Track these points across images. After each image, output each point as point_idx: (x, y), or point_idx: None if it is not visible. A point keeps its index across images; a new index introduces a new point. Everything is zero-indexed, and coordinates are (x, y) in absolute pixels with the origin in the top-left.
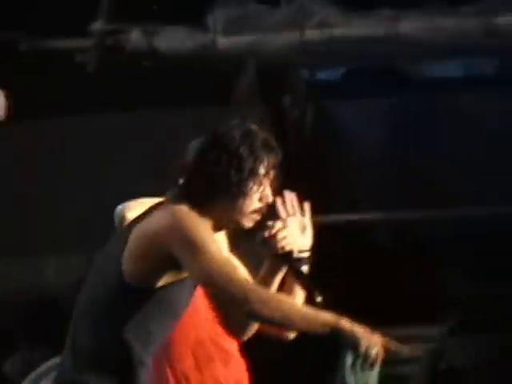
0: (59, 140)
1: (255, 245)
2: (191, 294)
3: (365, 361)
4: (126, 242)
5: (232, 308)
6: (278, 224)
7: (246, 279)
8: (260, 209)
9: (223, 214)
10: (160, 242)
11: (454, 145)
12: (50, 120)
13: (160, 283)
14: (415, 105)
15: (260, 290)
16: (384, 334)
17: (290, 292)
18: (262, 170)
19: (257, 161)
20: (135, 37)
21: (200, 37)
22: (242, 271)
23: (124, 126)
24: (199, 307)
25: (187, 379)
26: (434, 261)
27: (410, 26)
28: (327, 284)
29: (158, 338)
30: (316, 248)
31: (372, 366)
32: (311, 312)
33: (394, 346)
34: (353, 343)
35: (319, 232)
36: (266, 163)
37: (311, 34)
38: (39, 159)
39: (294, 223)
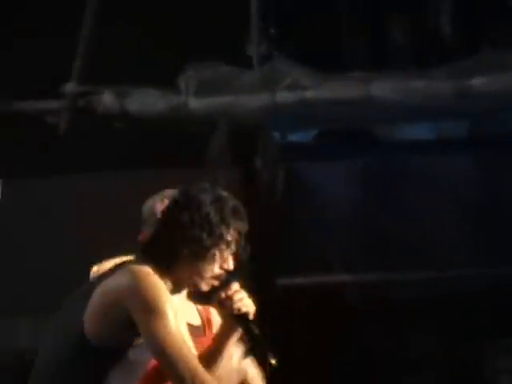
0: (30, 200)
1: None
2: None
3: None
4: (88, 300)
5: None
6: (236, 285)
7: (196, 362)
8: (219, 275)
9: (183, 276)
10: (120, 303)
11: (424, 207)
12: (20, 180)
13: (123, 344)
14: (387, 166)
15: (206, 377)
16: None
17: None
18: (229, 238)
19: (226, 228)
20: (107, 99)
21: (172, 98)
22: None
23: (92, 188)
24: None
25: None
26: (403, 322)
27: (382, 88)
28: (296, 344)
29: None
30: (288, 309)
31: None
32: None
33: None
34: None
35: (289, 293)
36: (233, 231)
37: (283, 96)
38: (9, 220)
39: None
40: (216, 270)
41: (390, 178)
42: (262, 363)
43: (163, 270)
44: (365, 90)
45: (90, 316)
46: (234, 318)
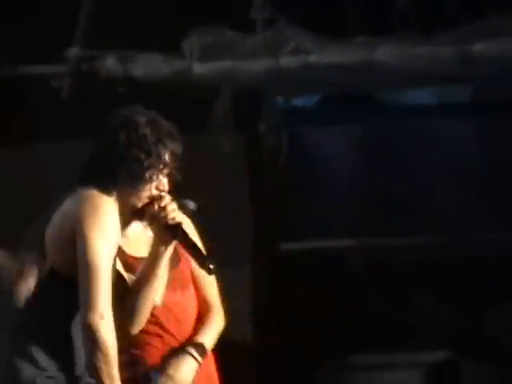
0: (34, 166)
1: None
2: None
3: None
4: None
5: (81, 306)
6: (167, 197)
7: (108, 298)
8: (155, 196)
9: (122, 197)
10: (71, 226)
11: (427, 171)
12: (23, 146)
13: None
14: (390, 131)
15: (111, 320)
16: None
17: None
18: (166, 158)
19: (164, 148)
20: (110, 63)
21: (176, 63)
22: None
23: None
24: None
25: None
26: (407, 286)
27: (385, 53)
28: (299, 308)
29: None
30: (291, 273)
31: None
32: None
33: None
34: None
35: (293, 258)
36: (169, 152)
37: (287, 61)
38: (13, 186)
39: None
40: (153, 190)
41: (392, 143)
42: (202, 268)
43: (103, 191)
44: (368, 55)
45: (51, 246)
46: (169, 229)
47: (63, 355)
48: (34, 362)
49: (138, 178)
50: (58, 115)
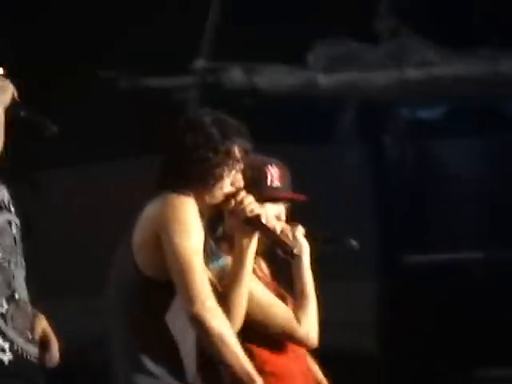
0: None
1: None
2: None
3: None
4: (131, 240)
5: (183, 303)
6: (242, 192)
7: (208, 289)
8: (232, 194)
9: (199, 198)
10: (156, 231)
11: None
12: (144, 156)
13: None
14: None
15: (216, 308)
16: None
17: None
18: (235, 154)
19: (232, 144)
20: (236, 74)
21: (301, 75)
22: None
23: None
24: None
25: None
26: None
27: (509, 65)
28: (424, 321)
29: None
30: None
31: None
32: (244, 361)
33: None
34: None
35: (419, 271)
36: (238, 148)
37: (411, 73)
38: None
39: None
40: (228, 188)
41: None
42: (286, 256)
43: (181, 193)
44: (492, 68)
45: (138, 251)
46: (249, 222)
47: (174, 363)
48: (150, 374)
49: (209, 178)
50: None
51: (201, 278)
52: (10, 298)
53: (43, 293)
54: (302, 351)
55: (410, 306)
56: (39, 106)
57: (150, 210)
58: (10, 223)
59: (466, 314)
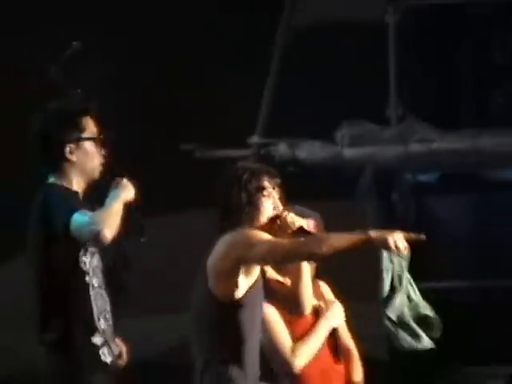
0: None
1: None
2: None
3: (397, 250)
4: (206, 271)
5: (309, 257)
6: (284, 212)
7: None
8: (273, 215)
9: (252, 225)
10: (228, 254)
11: None
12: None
13: (240, 293)
14: (496, 201)
15: (315, 236)
16: None
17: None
18: (267, 186)
19: (260, 181)
20: (282, 148)
21: (330, 149)
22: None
23: None
24: None
25: None
26: None
27: (489, 141)
28: None
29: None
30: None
31: (403, 257)
32: (347, 236)
33: (412, 236)
34: (383, 242)
35: None
36: (268, 182)
37: (414, 147)
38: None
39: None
40: (270, 212)
41: (499, 210)
42: None
43: (245, 224)
44: (474, 143)
45: (212, 279)
46: (295, 234)
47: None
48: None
49: (252, 210)
50: None
51: (293, 241)
52: (104, 318)
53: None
54: (325, 351)
55: None
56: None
57: (219, 244)
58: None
59: None
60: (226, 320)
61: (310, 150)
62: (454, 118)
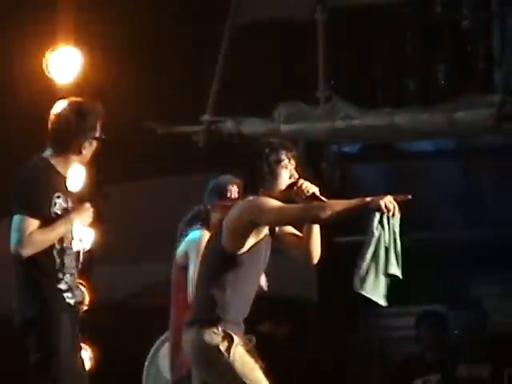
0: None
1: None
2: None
3: (387, 212)
4: (221, 228)
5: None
6: (300, 180)
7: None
8: (290, 183)
9: (273, 191)
10: (242, 216)
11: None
12: (164, 178)
13: (246, 248)
14: (406, 169)
15: (320, 203)
16: None
17: (309, 231)
18: (284, 159)
19: (278, 154)
20: (229, 125)
21: (269, 125)
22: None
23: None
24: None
25: None
26: None
27: (402, 118)
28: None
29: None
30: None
31: (393, 215)
32: (347, 202)
33: (399, 197)
34: (376, 205)
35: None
36: (286, 154)
37: (339, 123)
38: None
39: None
40: (287, 180)
41: (408, 177)
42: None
43: (267, 190)
44: (390, 120)
45: (225, 234)
46: (308, 199)
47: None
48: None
49: (272, 177)
50: (194, 157)
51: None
52: (69, 270)
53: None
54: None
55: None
56: None
57: (237, 205)
58: None
59: None
60: (226, 268)
61: (252, 126)
62: (373, 98)
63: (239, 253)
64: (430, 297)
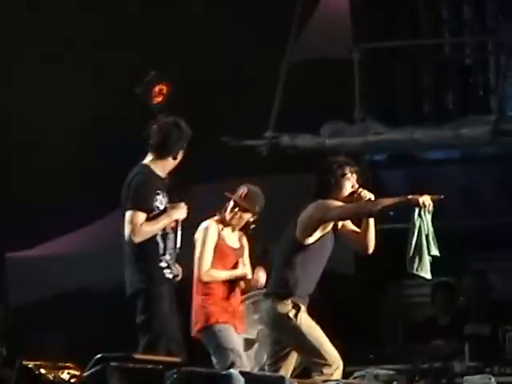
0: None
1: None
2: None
3: (424, 207)
4: (295, 224)
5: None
6: (360, 189)
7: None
8: (352, 191)
9: (338, 198)
10: (314, 216)
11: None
12: (228, 183)
13: (313, 239)
14: (421, 174)
15: (372, 201)
16: None
17: (366, 227)
18: (347, 173)
19: (343, 169)
20: (285, 139)
21: (317, 140)
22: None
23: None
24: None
25: None
26: None
27: (420, 134)
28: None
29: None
30: None
31: (429, 211)
32: (392, 199)
33: (434, 197)
34: (416, 201)
35: None
36: (349, 169)
37: (371, 138)
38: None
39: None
40: (349, 190)
41: (424, 179)
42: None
43: (332, 197)
44: (411, 135)
45: (299, 229)
46: (368, 202)
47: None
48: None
49: (337, 188)
50: (261, 167)
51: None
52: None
53: None
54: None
55: None
56: None
57: (309, 208)
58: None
59: None
60: (297, 255)
61: (303, 140)
62: (397, 118)
63: (308, 243)
64: (443, 271)
